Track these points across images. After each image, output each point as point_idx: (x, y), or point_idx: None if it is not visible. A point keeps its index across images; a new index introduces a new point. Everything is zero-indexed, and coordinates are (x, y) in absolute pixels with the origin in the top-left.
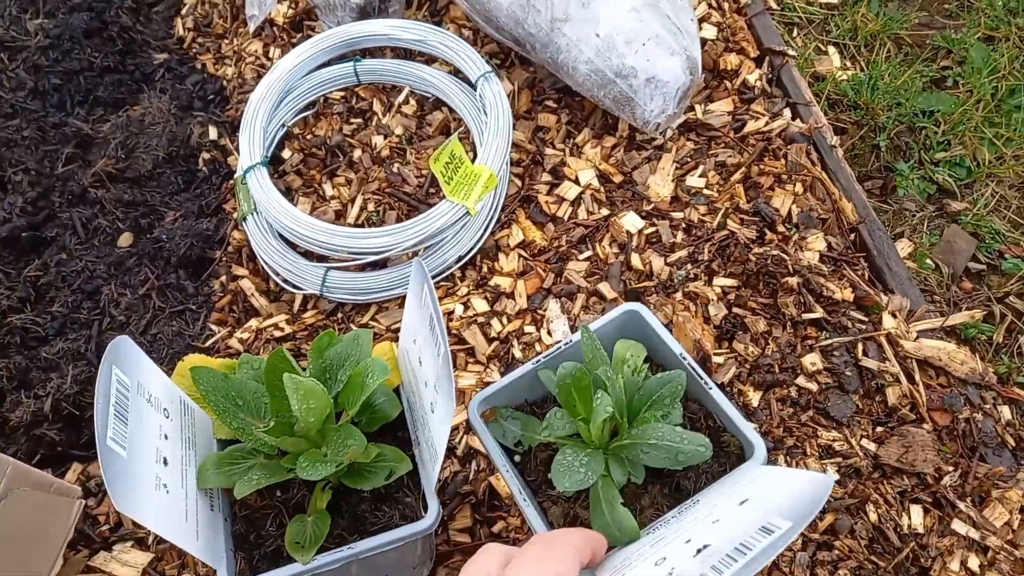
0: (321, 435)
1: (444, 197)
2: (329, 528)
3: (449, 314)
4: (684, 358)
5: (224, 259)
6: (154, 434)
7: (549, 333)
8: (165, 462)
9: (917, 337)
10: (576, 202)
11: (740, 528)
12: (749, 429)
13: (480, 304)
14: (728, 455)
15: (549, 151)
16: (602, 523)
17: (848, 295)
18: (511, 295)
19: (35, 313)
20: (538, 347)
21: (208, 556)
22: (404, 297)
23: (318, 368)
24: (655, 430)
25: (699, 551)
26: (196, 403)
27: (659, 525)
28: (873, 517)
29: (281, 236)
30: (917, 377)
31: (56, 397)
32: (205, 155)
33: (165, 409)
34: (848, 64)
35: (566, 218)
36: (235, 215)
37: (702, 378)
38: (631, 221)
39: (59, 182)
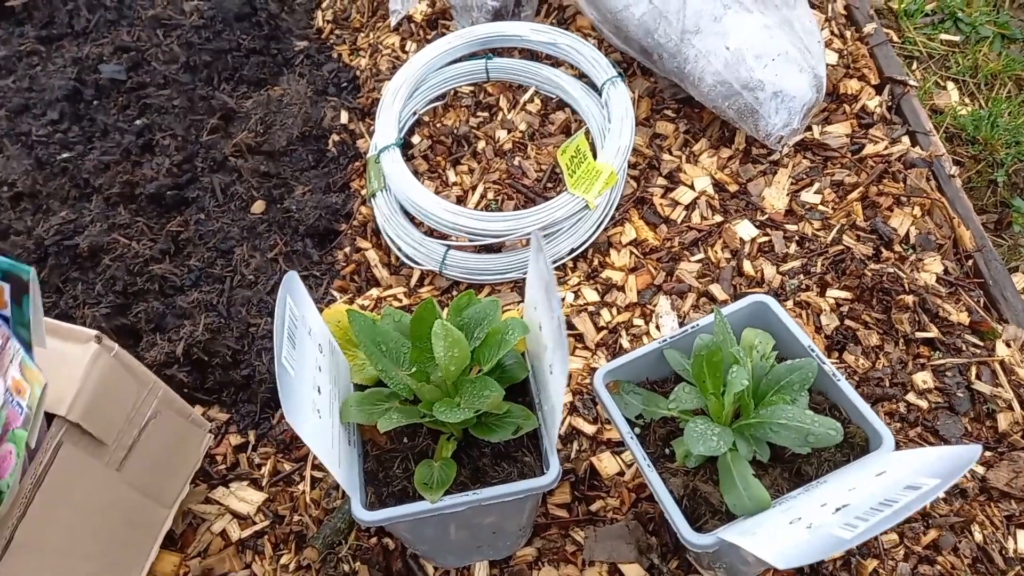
0: (455, 387)
1: (560, 192)
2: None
3: (560, 300)
4: (812, 350)
5: (350, 232)
6: (312, 364)
7: (658, 328)
8: (319, 391)
9: None
10: (691, 207)
11: (881, 490)
12: (878, 421)
13: (590, 294)
14: (852, 446)
15: (666, 157)
16: (733, 492)
17: (964, 318)
18: (622, 288)
19: (174, 265)
20: (645, 340)
21: (346, 483)
22: (516, 281)
23: (456, 325)
24: (784, 411)
25: (837, 510)
26: (340, 348)
27: (786, 499)
28: (978, 537)
29: (406, 214)
30: None
31: (188, 342)
32: (335, 137)
33: (319, 344)
34: (967, 100)
35: (679, 221)
36: (363, 192)
37: (829, 369)
38: (745, 229)
39: (203, 149)
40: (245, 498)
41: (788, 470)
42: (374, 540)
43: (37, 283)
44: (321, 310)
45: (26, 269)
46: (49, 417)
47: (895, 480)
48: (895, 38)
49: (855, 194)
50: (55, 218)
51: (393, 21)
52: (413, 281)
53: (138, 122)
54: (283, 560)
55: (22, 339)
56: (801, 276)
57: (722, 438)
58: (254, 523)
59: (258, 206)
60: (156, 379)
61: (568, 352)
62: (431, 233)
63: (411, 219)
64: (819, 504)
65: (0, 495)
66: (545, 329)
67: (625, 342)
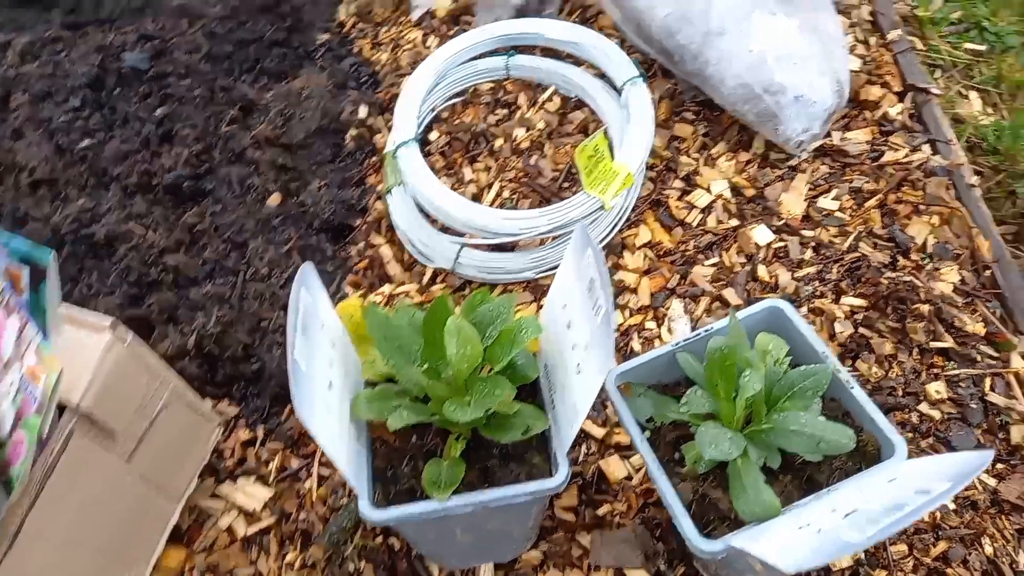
0: (466, 385)
1: (576, 192)
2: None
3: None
4: (827, 356)
5: (364, 227)
6: (324, 358)
7: (670, 331)
8: (330, 385)
9: None
10: (707, 210)
11: (892, 495)
12: (891, 429)
13: None
14: (864, 455)
15: (683, 159)
16: (743, 498)
17: (980, 329)
18: (634, 291)
19: (188, 256)
20: (657, 343)
21: (354, 481)
22: (529, 281)
23: (469, 322)
24: (797, 417)
25: (847, 515)
26: (352, 344)
27: (796, 507)
28: (989, 550)
29: (421, 211)
30: None
31: (200, 334)
32: (353, 131)
33: (332, 340)
34: (989, 111)
35: (695, 224)
36: (379, 187)
37: (844, 376)
38: (761, 234)
39: (221, 140)
40: (252, 494)
41: (799, 478)
42: (380, 540)
43: (56, 269)
44: (334, 305)
45: (46, 254)
46: (60, 406)
47: (906, 485)
48: (919, 46)
49: (873, 201)
50: (72, 206)
51: (415, 16)
52: (426, 278)
53: (158, 111)
54: (288, 558)
55: (37, 324)
56: (816, 282)
57: (734, 443)
58: (260, 520)
59: (274, 199)
60: (168, 370)
61: (612, 353)
62: (446, 230)
63: (426, 216)
64: (829, 510)
65: (11, 483)
66: (578, 327)
67: (636, 345)
